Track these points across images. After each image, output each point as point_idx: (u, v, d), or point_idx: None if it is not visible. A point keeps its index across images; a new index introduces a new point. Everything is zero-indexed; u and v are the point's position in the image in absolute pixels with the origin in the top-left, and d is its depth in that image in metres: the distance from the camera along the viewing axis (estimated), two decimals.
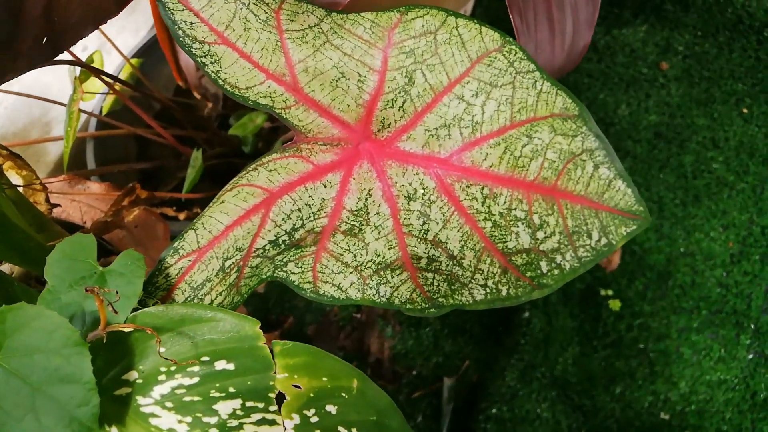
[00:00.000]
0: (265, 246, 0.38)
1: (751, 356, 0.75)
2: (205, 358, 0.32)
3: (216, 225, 0.37)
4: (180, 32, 0.34)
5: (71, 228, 0.58)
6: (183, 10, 0.34)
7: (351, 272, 0.40)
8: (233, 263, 0.37)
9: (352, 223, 0.40)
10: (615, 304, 0.81)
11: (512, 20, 0.45)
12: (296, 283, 0.40)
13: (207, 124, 0.77)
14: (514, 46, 0.39)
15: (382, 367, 0.89)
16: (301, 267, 0.40)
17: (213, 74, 0.35)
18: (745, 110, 0.89)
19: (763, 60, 0.90)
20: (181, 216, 0.76)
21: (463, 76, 0.39)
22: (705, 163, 0.86)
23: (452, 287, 0.40)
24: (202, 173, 0.66)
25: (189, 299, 0.36)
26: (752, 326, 0.77)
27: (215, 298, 0.37)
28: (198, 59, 0.35)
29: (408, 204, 0.40)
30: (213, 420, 0.31)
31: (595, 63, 0.94)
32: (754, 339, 0.76)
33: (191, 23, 0.35)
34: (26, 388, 0.28)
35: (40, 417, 0.28)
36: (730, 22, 0.93)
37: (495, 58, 0.39)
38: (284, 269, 0.39)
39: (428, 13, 0.38)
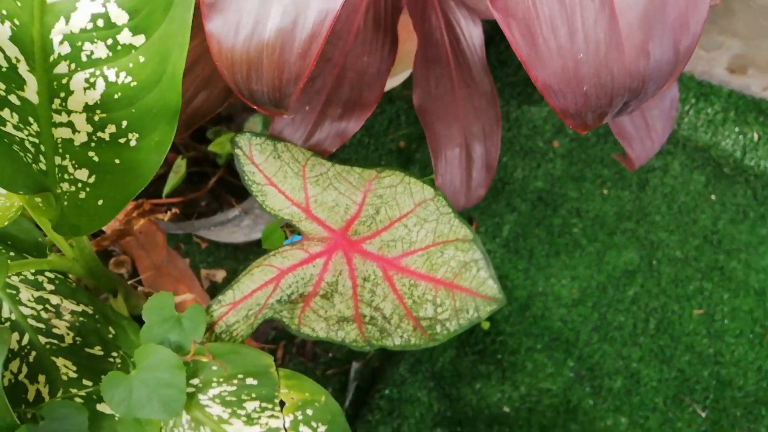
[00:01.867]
0: (273, 302, 0.62)
1: (571, 375, 1.08)
2: (240, 376, 0.56)
3: (246, 288, 0.60)
4: (246, 177, 0.57)
5: (95, 233, 0.77)
6: (250, 164, 0.57)
7: (322, 321, 0.64)
8: (253, 312, 0.61)
9: (327, 290, 0.64)
10: (485, 324, 1.10)
11: (433, 164, 0.70)
12: (286, 323, 0.64)
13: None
14: (441, 197, 0.64)
15: (305, 347, 1.15)
16: (291, 314, 0.64)
17: (261, 201, 0.57)
18: (605, 191, 1.20)
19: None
20: (165, 218, 0.96)
21: (409, 213, 0.64)
22: (568, 227, 1.16)
23: (382, 335, 0.66)
24: None
25: (224, 332, 0.60)
26: (577, 354, 1.09)
27: (239, 331, 0.61)
28: (254, 192, 0.57)
29: (363, 283, 0.65)
30: (243, 412, 0.55)
31: (505, 131, 1.21)
32: (576, 363, 1.09)
33: (253, 173, 0.57)
34: (148, 389, 0.51)
35: (154, 405, 0.51)
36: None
37: (429, 203, 0.64)
38: (281, 314, 0.63)
39: (394, 173, 0.63)
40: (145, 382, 0.51)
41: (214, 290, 1.10)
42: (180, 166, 0.85)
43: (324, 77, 0.64)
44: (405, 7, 0.69)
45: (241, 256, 1.15)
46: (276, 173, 0.58)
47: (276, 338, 1.14)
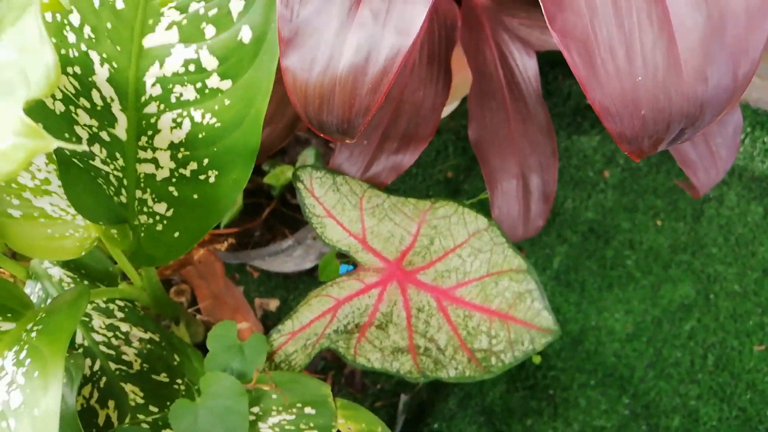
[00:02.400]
0: (330, 332, 0.63)
1: (626, 412, 1.05)
2: (299, 405, 0.57)
3: (304, 318, 0.62)
4: (307, 210, 0.59)
5: None
6: (311, 197, 0.59)
7: (377, 351, 0.65)
8: (311, 341, 0.62)
9: (382, 320, 0.65)
10: (536, 358, 1.09)
11: (489, 196, 0.71)
12: (342, 353, 0.65)
13: None
14: (495, 227, 0.65)
15: (354, 379, 1.15)
16: (347, 345, 0.65)
17: (320, 233, 0.60)
18: (659, 222, 1.18)
19: (678, 187, 1.20)
20: (223, 248, 0.99)
21: (463, 243, 0.65)
22: (621, 260, 1.15)
23: (437, 367, 0.67)
24: None
25: (283, 361, 0.61)
26: (632, 390, 1.06)
27: (298, 361, 0.62)
28: (314, 224, 0.59)
29: (417, 314, 0.66)
30: None
31: None
32: (631, 400, 1.06)
33: (314, 205, 0.59)
34: (212, 416, 0.53)
35: (219, 431, 0.53)
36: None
37: (483, 234, 0.65)
38: (337, 344, 0.65)
39: (448, 204, 0.64)
40: (210, 409, 0.53)
41: (267, 319, 1.12)
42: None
43: (382, 112, 0.66)
44: (458, 41, 0.72)
45: (291, 286, 1.17)
46: (335, 205, 0.60)
47: (325, 368, 1.15)
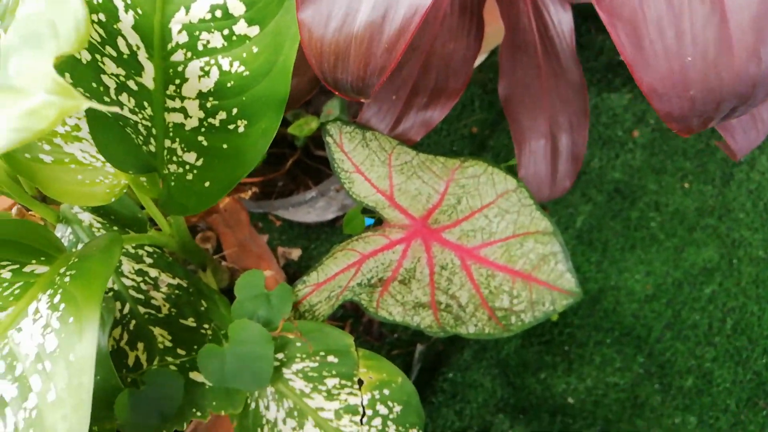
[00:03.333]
0: (353, 285, 0.64)
1: (641, 371, 1.06)
2: (322, 353, 0.59)
3: (329, 270, 0.63)
4: (336, 164, 0.59)
5: None
6: (340, 152, 0.59)
7: (399, 305, 0.66)
8: (335, 293, 0.63)
9: (405, 276, 0.66)
10: (554, 316, 1.10)
11: (516, 155, 0.70)
12: (364, 306, 0.66)
13: None
14: (523, 188, 0.65)
15: (372, 327, 1.17)
16: (370, 298, 0.66)
17: (348, 188, 0.59)
18: (686, 185, 1.16)
19: (711, 147, 1.17)
20: (247, 196, 0.99)
21: (490, 204, 0.64)
22: (645, 221, 1.14)
23: (457, 323, 0.67)
24: None
25: (307, 310, 0.62)
26: (647, 350, 1.07)
27: (321, 311, 0.63)
28: (342, 179, 0.59)
29: (440, 271, 0.66)
30: (323, 388, 0.58)
31: None
32: (646, 359, 1.07)
33: (342, 160, 0.59)
34: (239, 361, 0.54)
35: (245, 376, 0.54)
36: None
37: (511, 195, 0.64)
38: (359, 297, 0.66)
39: (477, 164, 0.63)
40: (237, 355, 0.54)
41: (289, 267, 1.14)
42: None
43: (411, 66, 0.65)
44: None
45: (312, 236, 1.18)
46: (363, 161, 0.60)
47: (343, 316, 1.17)
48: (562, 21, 0.70)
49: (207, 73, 0.43)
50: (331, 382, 0.58)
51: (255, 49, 0.42)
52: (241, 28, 0.42)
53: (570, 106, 0.68)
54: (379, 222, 0.65)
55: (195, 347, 0.58)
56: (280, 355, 0.59)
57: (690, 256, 1.13)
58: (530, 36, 0.69)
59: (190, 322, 0.60)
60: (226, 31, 0.42)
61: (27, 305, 0.44)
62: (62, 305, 0.42)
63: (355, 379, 0.59)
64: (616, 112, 1.22)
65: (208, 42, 0.42)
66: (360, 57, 0.39)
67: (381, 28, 0.38)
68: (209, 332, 0.60)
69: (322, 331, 0.59)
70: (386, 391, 0.59)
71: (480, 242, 0.65)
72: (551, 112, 0.69)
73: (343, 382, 0.59)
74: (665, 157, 1.19)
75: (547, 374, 1.10)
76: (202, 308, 0.61)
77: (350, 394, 0.58)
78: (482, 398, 1.09)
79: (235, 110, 0.44)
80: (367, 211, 0.83)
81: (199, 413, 0.55)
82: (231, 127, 0.45)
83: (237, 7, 0.41)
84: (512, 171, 0.66)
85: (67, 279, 0.44)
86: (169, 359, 0.57)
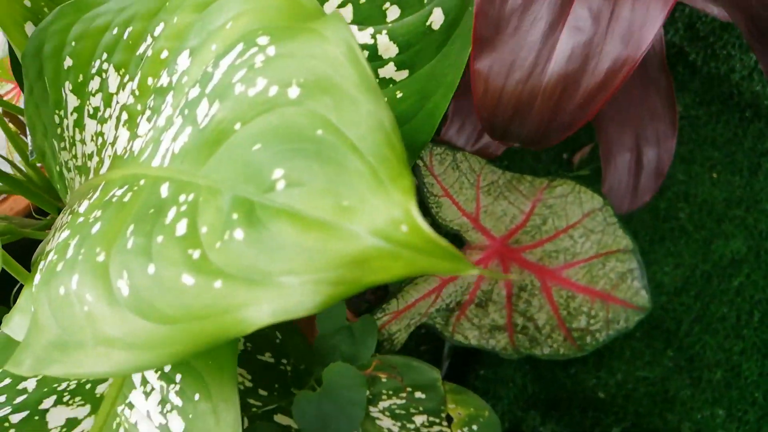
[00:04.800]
0: (432, 312, 0.61)
1: (670, 364, 1.08)
2: (409, 389, 0.56)
3: (410, 297, 0.60)
4: (426, 189, 0.55)
5: None
6: (430, 176, 0.55)
7: (475, 329, 0.64)
8: (415, 321, 0.61)
9: (481, 298, 0.64)
10: None
11: (602, 169, 0.67)
12: (440, 329, 0.64)
13: None
14: (609, 207, 0.63)
15: None
16: (446, 322, 0.64)
17: (435, 212, 0.56)
18: (714, 175, 1.16)
19: (739, 136, 1.17)
20: None
21: (576, 224, 0.62)
22: (674, 212, 1.13)
23: (532, 344, 0.66)
24: None
25: (385, 339, 0.60)
26: (677, 344, 1.08)
27: (399, 339, 0.61)
28: (430, 204, 0.56)
29: (519, 292, 0.64)
30: (412, 426, 0.56)
31: None
32: (675, 353, 1.08)
33: (432, 184, 0.55)
34: (334, 406, 0.51)
35: (339, 422, 0.52)
36: (723, 96, 1.18)
37: (597, 213, 0.62)
38: (435, 321, 0.63)
39: (566, 182, 0.61)
40: (332, 400, 0.51)
41: None
42: None
43: None
44: None
45: None
46: (453, 184, 0.57)
47: (368, 309, 1.15)
48: None
49: None
50: (419, 419, 0.56)
51: (399, 95, 0.37)
52: (388, 71, 0.37)
53: (658, 119, 0.65)
54: (460, 243, 0.62)
55: (276, 386, 0.55)
56: (366, 392, 0.56)
57: (718, 248, 1.14)
58: None
59: (268, 357, 0.57)
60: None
61: (128, 375, 0.40)
62: (178, 375, 0.38)
63: (443, 415, 0.57)
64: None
65: None
66: (546, 111, 0.35)
67: (577, 80, 0.34)
68: (289, 368, 0.57)
69: (409, 365, 0.56)
70: (475, 427, 0.57)
71: (563, 263, 0.63)
72: (639, 124, 0.66)
73: (432, 419, 0.57)
74: (694, 146, 1.18)
75: (578, 369, 1.10)
76: (278, 341, 0.58)
77: (440, 431, 0.56)
78: (513, 394, 1.09)
79: None
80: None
81: None
82: None
83: (389, 49, 0.36)
84: (586, 180, 0.64)
85: None
86: (251, 401, 0.54)
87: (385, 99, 0.39)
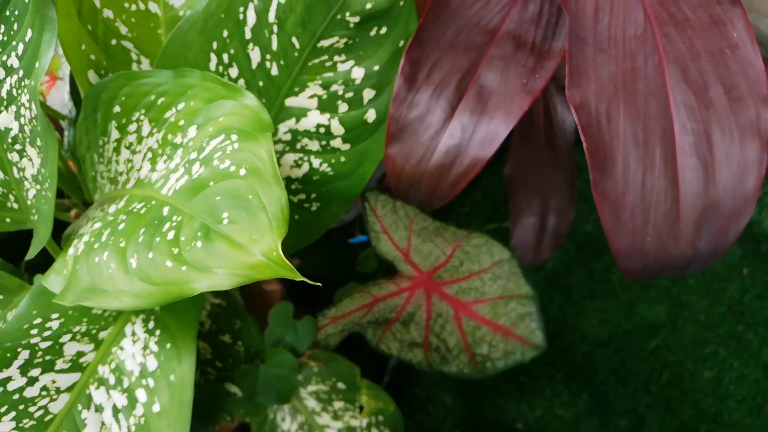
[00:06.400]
0: (364, 322, 0.78)
1: (584, 407, 1.24)
2: (333, 379, 0.73)
3: (346, 308, 0.77)
4: (368, 225, 0.73)
5: None
6: (373, 215, 0.73)
7: (397, 342, 0.81)
8: (348, 327, 0.77)
9: (406, 318, 0.80)
10: None
11: (510, 226, 0.84)
12: (368, 338, 0.81)
13: None
14: (515, 260, 0.80)
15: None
16: (374, 332, 0.80)
17: (374, 244, 0.73)
18: None
19: None
20: None
21: (486, 269, 0.79)
22: (607, 274, 1.31)
23: (442, 362, 0.83)
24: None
25: (322, 339, 0.76)
26: (592, 389, 1.25)
27: (333, 340, 0.78)
28: (371, 237, 0.73)
29: (436, 318, 0.81)
30: (331, 408, 0.73)
31: None
32: (589, 397, 1.25)
33: (374, 222, 0.73)
34: (269, 381, 0.68)
35: (271, 393, 0.68)
36: None
37: (504, 264, 0.79)
38: (365, 330, 0.80)
39: (480, 236, 0.78)
40: (268, 375, 0.68)
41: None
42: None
43: None
44: None
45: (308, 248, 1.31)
46: (391, 224, 0.74)
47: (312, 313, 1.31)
48: (566, 120, 0.85)
49: (299, 166, 0.56)
50: (338, 404, 0.73)
51: (342, 159, 0.55)
52: (336, 143, 0.55)
53: (561, 193, 0.83)
54: (393, 272, 0.79)
55: (230, 361, 0.72)
56: (299, 377, 0.73)
57: (641, 311, 1.31)
58: (537, 130, 0.83)
59: (227, 338, 0.73)
60: (323, 142, 0.55)
61: (123, 326, 0.57)
62: (157, 331, 0.55)
63: (357, 404, 0.73)
64: None
65: (306, 145, 0.56)
66: (429, 187, 0.53)
67: (449, 170, 0.52)
68: (242, 349, 0.73)
69: (335, 360, 0.73)
70: (381, 417, 0.74)
71: (473, 299, 0.80)
72: (544, 196, 0.84)
73: (348, 405, 0.73)
74: None
75: (502, 400, 1.27)
76: (236, 326, 0.75)
77: (352, 417, 0.73)
78: (442, 413, 1.25)
79: (313, 195, 0.58)
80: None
81: (229, 418, 0.69)
82: (306, 205, 0.58)
83: (338, 129, 0.54)
84: (502, 232, 0.81)
85: (157, 308, 0.57)
86: (210, 370, 0.70)
87: (333, 160, 0.57)
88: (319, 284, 0.39)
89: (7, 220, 0.64)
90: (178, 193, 0.44)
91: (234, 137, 0.42)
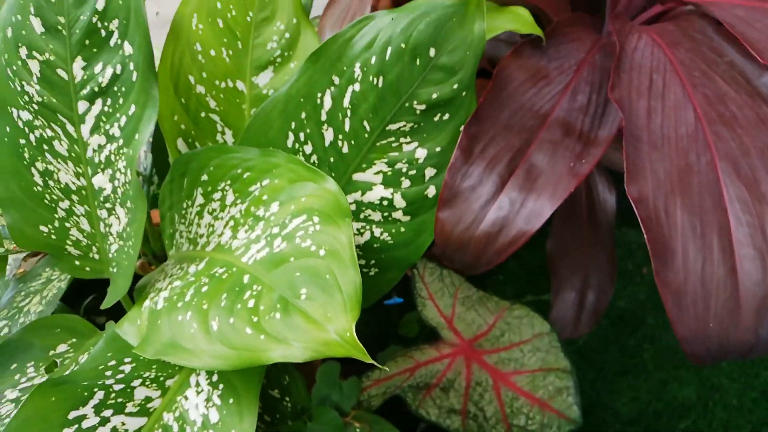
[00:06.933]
0: (405, 386, 0.80)
1: None
2: None
3: (389, 372, 0.79)
4: (416, 291, 0.76)
5: None
6: (420, 282, 0.75)
7: (436, 408, 0.82)
8: (390, 390, 0.79)
9: (446, 385, 0.82)
10: None
11: (552, 300, 0.86)
12: (408, 402, 0.82)
13: None
14: (554, 333, 0.82)
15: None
16: (414, 396, 0.82)
17: (420, 310, 0.76)
18: None
19: None
20: None
21: (527, 341, 0.81)
22: (640, 351, 1.31)
23: (479, 430, 0.83)
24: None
25: (365, 400, 0.78)
26: None
27: (375, 402, 0.79)
28: (417, 303, 0.76)
29: (475, 386, 0.82)
30: None
31: None
32: None
33: (421, 288, 0.76)
34: None
35: None
36: None
37: (544, 337, 0.81)
38: (406, 394, 0.82)
39: (522, 308, 0.80)
40: None
41: None
42: None
43: None
44: None
45: None
46: (437, 291, 0.77)
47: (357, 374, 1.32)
48: (607, 200, 0.88)
49: (361, 234, 0.60)
50: None
51: (402, 230, 0.59)
52: (397, 215, 0.59)
53: (601, 271, 0.85)
54: (435, 338, 0.81)
55: (277, 416, 0.74)
56: None
57: (672, 390, 1.30)
58: (580, 209, 0.86)
59: (276, 393, 0.76)
60: (386, 213, 0.59)
61: (188, 376, 0.60)
62: (221, 385, 0.58)
63: None
64: (631, 247, 1.40)
65: (369, 215, 0.60)
66: (475, 252, 0.56)
67: (495, 239, 0.55)
68: (289, 405, 0.75)
69: (378, 423, 0.75)
70: None
71: (512, 370, 0.82)
72: (585, 273, 0.86)
73: None
74: None
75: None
76: (285, 382, 0.77)
77: None
78: None
79: (373, 261, 0.61)
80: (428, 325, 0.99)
81: None
82: (365, 270, 0.62)
83: (400, 203, 0.58)
84: (540, 304, 0.83)
85: None
86: (259, 424, 0.73)
87: (393, 230, 0.61)
88: (374, 362, 0.41)
89: (87, 269, 0.68)
90: (258, 263, 0.47)
91: (316, 219, 0.46)
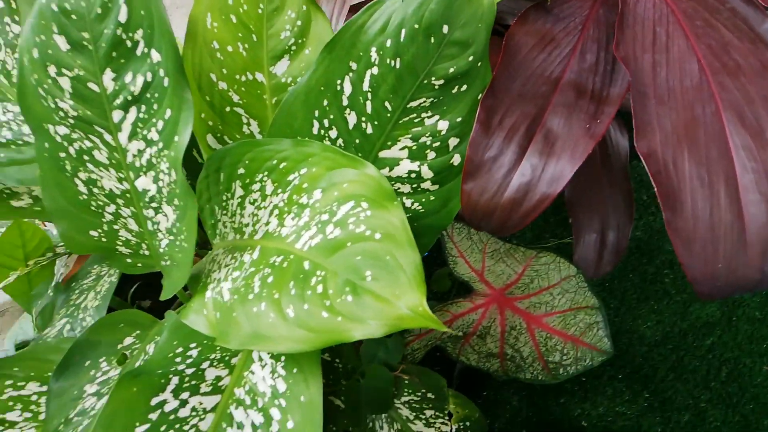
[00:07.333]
0: (445, 337, 0.85)
1: (645, 404, 1.28)
2: (423, 390, 0.79)
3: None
4: (446, 250, 0.79)
5: None
6: (450, 242, 0.79)
7: (475, 354, 0.87)
8: (431, 342, 0.84)
9: (482, 332, 0.87)
10: None
11: (573, 243, 0.90)
12: (449, 351, 0.87)
13: None
14: (581, 275, 0.85)
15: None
16: (454, 346, 0.87)
17: (452, 267, 0.80)
18: None
19: None
20: None
21: (555, 285, 0.85)
22: (660, 276, 1.35)
23: (517, 370, 0.88)
24: None
25: (409, 354, 0.83)
26: (653, 387, 1.29)
27: (418, 354, 0.84)
28: (449, 261, 0.79)
29: (510, 330, 0.87)
30: (423, 416, 0.79)
31: None
32: (650, 395, 1.29)
33: (451, 247, 0.79)
34: (370, 394, 0.75)
35: (372, 405, 0.75)
36: None
37: (571, 279, 0.85)
38: (445, 344, 0.86)
39: (549, 255, 0.84)
40: (368, 389, 0.75)
41: None
42: None
43: None
44: None
45: None
46: (466, 249, 0.80)
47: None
48: (620, 144, 0.90)
49: None
50: (428, 412, 0.79)
51: (432, 198, 0.62)
52: (426, 185, 0.62)
53: (618, 211, 0.88)
54: (468, 291, 0.85)
55: (331, 377, 0.79)
56: (393, 389, 0.80)
57: (695, 311, 1.34)
58: (594, 154, 0.89)
59: (327, 356, 0.81)
60: (414, 185, 0.62)
61: (250, 353, 0.65)
62: (282, 357, 0.62)
63: (446, 412, 0.80)
64: (643, 178, 1.42)
65: (399, 188, 0.63)
66: (501, 218, 0.59)
67: (520, 204, 0.58)
68: (340, 366, 0.80)
69: (424, 373, 0.80)
70: (467, 423, 0.80)
71: (544, 312, 0.86)
72: (603, 214, 0.89)
73: (438, 413, 0.80)
74: None
75: (566, 399, 1.31)
76: (335, 346, 0.82)
77: (443, 423, 0.79)
78: (509, 415, 1.31)
79: None
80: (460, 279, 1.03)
81: (334, 429, 0.76)
82: None
83: (427, 174, 0.61)
84: (568, 246, 0.87)
85: None
86: None
87: (423, 200, 0.64)
88: (451, 330, 0.45)
89: (139, 264, 0.73)
90: (314, 249, 0.51)
91: (365, 204, 0.49)
